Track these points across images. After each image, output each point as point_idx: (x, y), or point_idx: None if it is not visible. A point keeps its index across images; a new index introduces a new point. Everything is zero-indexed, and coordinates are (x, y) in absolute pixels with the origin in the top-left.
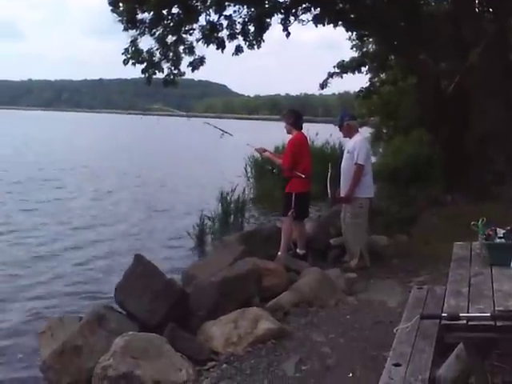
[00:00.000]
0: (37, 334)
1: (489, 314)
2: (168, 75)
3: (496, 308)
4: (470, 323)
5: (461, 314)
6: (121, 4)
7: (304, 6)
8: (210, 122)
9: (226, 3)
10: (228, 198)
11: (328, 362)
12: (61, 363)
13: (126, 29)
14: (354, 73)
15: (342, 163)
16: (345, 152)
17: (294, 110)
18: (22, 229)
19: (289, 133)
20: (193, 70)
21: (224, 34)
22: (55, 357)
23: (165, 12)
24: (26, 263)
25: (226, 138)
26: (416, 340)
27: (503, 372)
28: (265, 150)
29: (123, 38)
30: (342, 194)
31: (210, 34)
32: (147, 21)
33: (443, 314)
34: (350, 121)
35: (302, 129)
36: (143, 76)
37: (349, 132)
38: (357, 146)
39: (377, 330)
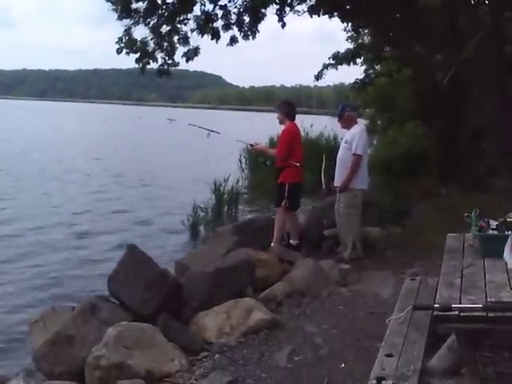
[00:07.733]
0: (28, 324)
1: (481, 305)
2: (162, 65)
3: (488, 299)
4: (462, 314)
5: (453, 305)
6: None
7: None
8: (194, 122)
9: None
10: (221, 188)
11: (320, 353)
12: (53, 353)
13: (120, 18)
14: (349, 64)
15: (339, 153)
16: (342, 142)
17: (287, 101)
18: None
19: (281, 123)
20: (187, 61)
21: (219, 24)
22: (48, 346)
23: (159, 1)
24: (17, 253)
25: (214, 136)
26: (408, 331)
27: (495, 363)
28: (256, 144)
29: (118, 28)
30: (337, 184)
31: (205, 24)
32: (142, 10)
33: (435, 305)
34: (351, 112)
35: (294, 119)
36: (138, 66)
37: (348, 123)
38: (356, 136)
39: (369, 321)
